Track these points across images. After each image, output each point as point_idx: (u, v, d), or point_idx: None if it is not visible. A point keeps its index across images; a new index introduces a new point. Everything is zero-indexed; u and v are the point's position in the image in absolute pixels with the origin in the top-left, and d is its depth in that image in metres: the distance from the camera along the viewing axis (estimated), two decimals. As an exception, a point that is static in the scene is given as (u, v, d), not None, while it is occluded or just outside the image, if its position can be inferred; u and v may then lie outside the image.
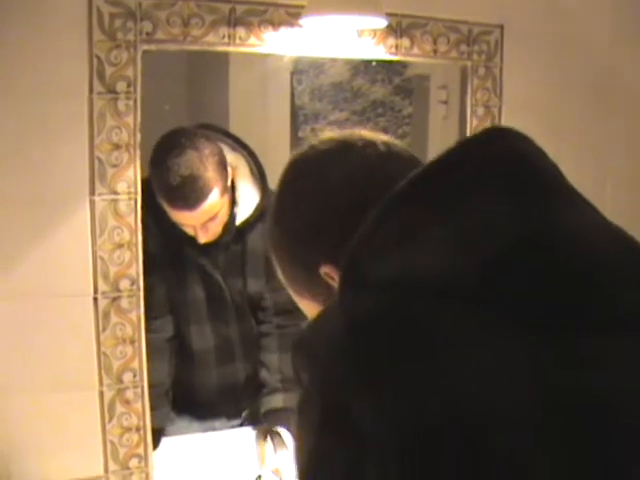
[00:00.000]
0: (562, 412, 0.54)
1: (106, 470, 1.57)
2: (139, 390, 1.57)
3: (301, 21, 1.52)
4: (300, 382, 0.64)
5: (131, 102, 1.48)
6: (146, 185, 1.56)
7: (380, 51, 1.69)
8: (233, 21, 1.54)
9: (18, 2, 1.39)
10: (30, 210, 1.45)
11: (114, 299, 1.52)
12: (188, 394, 1.88)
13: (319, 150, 0.81)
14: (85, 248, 1.49)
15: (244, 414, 1.95)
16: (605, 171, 1.99)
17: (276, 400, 1.79)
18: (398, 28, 1.69)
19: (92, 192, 1.48)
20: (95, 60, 1.44)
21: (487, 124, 1.82)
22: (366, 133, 0.82)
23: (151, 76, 1.52)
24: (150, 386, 1.59)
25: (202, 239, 1.67)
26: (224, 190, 1.64)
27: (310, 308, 0.82)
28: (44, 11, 1.41)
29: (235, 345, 1.88)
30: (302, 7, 1.50)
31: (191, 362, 1.86)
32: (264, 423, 1.80)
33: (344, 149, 0.80)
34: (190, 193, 1.57)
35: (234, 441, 1.83)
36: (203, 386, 1.90)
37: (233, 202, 1.73)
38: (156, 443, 1.68)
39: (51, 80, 1.43)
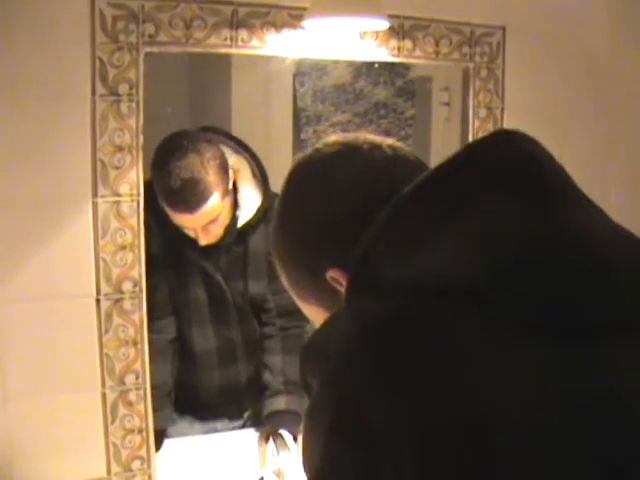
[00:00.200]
0: (563, 412, 0.54)
1: (109, 472, 1.57)
2: (141, 392, 1.57)
3: (303, 23, 1.52)
4: (308, 389, 0.64)
5: (133, 104, 1.48)
6: (148, 187, 1.56)
7: (382, 53, 1.69)
8: (235, 23, 1.54)
9: (21, 5, 1.39)
10: (33, 212, 1.45)
11: (116, 301, 1.53)
12: (190, 395, 1.88)
13: (324, 153, 0.80)
14: (88, 250, 1.49)
15: (246, 415, 1.95)
16: (609, 173, 1.99)
17: (279, 402, 1.79)
18: (400, 30, 1.69)
19: (95, 194, 1.48)
20: (98, 62, 1.45)
21: (489, 126, 1.82)
22: (371, 136, 0.81)
23: (153, 78, 1.52)
24: (153, 387, 1.59)
25: (203, 241, 1.68)
26: (225, 193, 1.65)
27: (315, 314, 0.81)
28: (47, 14, 1.41)
29: (237, 347, 1.88)
30: (304, 9, 1.50)
31: (193, 363, 1.87)
32: (266, 425, 1.80)
33: (350, 152, 0.79)
34: (191, 196, 1.57)
35: (236, 443, 1.83)
36: (205, 387, 1.90)
37: (235, 205, 1.73)
38: (159, 445, 1.68)
39: (54, 82, 1.43)
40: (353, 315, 0.64)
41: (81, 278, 1.50)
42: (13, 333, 1.46)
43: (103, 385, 1.54)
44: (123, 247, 1.51)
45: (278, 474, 1.66)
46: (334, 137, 0.82)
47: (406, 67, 2.18)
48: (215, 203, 1.62)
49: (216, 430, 1.91)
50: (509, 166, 0.66)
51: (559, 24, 1.86)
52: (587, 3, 1.90)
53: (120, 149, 1.48)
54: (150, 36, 1.48)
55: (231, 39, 1.55)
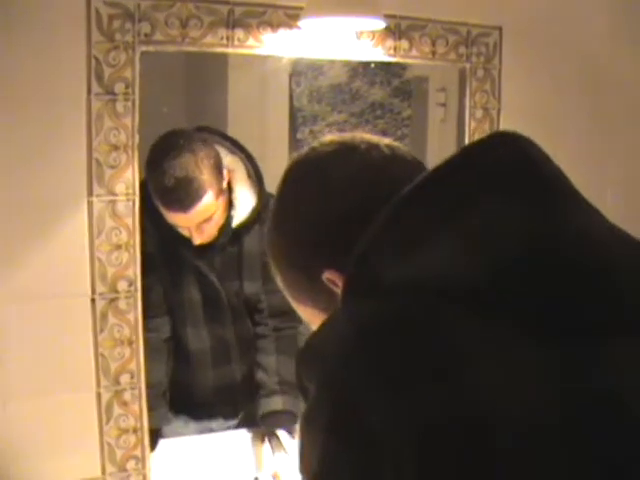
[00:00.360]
0: (563, 412, 0.54)
1: (103, 472, 1.56)
2: (136, 392, 1.57)
3: (300, 23, 1.52)
4: (305, 393, 0.63)
5: (129, 103, 1.48)
6: (142, 187, 1.56)
7: (379, 53, 1.69)
8: (232, 22, 1.54)
9: (16, 3, 1.39)
10: (27, 211, 1.44)
11: (112, 300, 1.52)
12: (185, 395, 1.88)
13: (321, 152, 0.79)
14: (83, 249, 1.49)
15: (241, 415, 1.95)
16: (605, 175, 1.99)
17: (275, 402, 1.78)
18: (397, 30, 1.69)
19: (90, 193, 1.48)
20: (93, 61, 1.44)
21: (485, 126, 1.82)
22: (368, 136, 0.81)
23: (149, 77, 1.52)
24: (148, 386, 1.59)
25: (197, 240, 1.68)
26: (219, 192, 1.65)
27: (311, 315, 0.81)
28: (42, 12, 1.40)
29: (231, 346, 1.88)
30: (301, 9, 1.50)
31: (188, 363, 1.86)
32: (262, 425, 1.80)
33: (347, 151, 0.78)
34: (184, 195, 1.58)
35: (232, 443, 1.83)
36: (200, 387, 1.90)
37: (230, 205, 1.73)
38: (153, 445, 1.68)
39: (49, 81, 1.43)
40: (350, 317, 0.64)
41: (76, 277, 1.49)
42: (7, 332, 1.45)
43: (98, 385, 1.53)
44: (118, 246, 1.51)
45: (275, 476, 1.66)
46: (330, 136, 0.81)
47: (402, 67, 2.18)
48: (209, 202, 1.62)
49: (211, 430, 1.91)
50: (508, 167, 0.66)
51: (556, 25, 1.86)
52: (584, 4, 1.90)
53: (116, 148, 1.48)
54: (146, 35, 1.48)
55: (227, 38, 1.55)
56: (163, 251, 1.74)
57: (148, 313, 1.63)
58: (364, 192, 0.74)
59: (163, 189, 1.57)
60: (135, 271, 1.53)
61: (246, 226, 1.75)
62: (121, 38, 1.45)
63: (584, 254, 0.61)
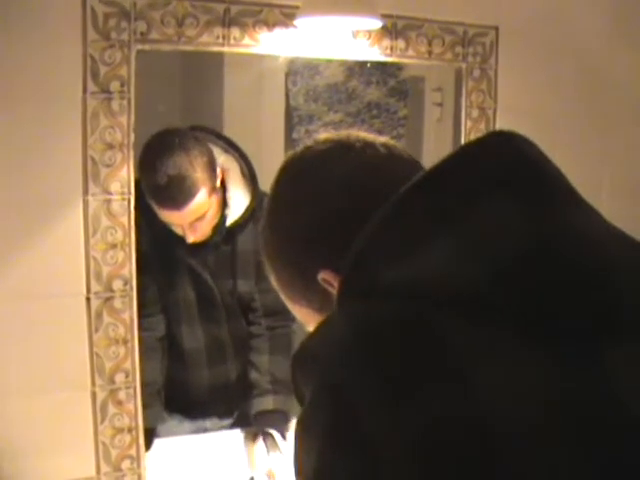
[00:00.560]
0: (563, 412, 0.54)
1: (98, 472, 1.56)
2: (131, 391, 1.56)
3: (296, 22, 1.52)
4: (301, 398, 0.63)
5: (125, 102, 1.48)
6: (137, 185, 1.56)
7: (375, 52, 1.69)
8: (228, 21, 1.54)
9: (11, 2, 1.38)
10: (23, 210, 1.44)
11: (107, 299, 1.52)
12: (180, 394, 1.88)
13: (316, 151, 0.78)
14: (78, 248, 1.48)
15: (236, 414, 1.95)
16: (600, 175, 1.99)
17: (267, 402, 1.78)
18: (393, 29, 1.69)
19: (85, 192, 1.47)
20: (89, 60, 1.44)
21: (481, 126, 1.82)
22: (363, 134, 0.80)
23: (145, 76, 1.51)
24: (142, 385, 1.59)
25: (190, 239, 1.68)
26: (212, 191, 1.65)
27: (305, 315, 0.79)
28: (38, 11, 1.40)
29: (226, 345, 1.88)
30: (297, 8, 1.50)
31: (182, 362, 1.86)
32: (254, 425, 1.79)
33: (343, 150, 0.77)
34: (177, 193, 1.58)
35: (227, 443, 1.83)
36: (194, 386, 1.90)
37: (224, 203, 1.73)
38: (148, 444, 1.68)
39: (45, 79, 1.42)
40: (347, 318, 0.63)
41: (71, 276, 1.49)
42: (2, 331, 1.45)
43: (93, 384, 1.53)
44: (114, 245, 1.51)
45: (269, 475, 1.66)
46: (325, 135, 0.80)
47: (399, 67, 2.17)
48: (202, 200, 1.62)
49: (206, 429, 1.91)
50: (507, 167, 0.65)
51: (552, 24, 1.87)
52: (580, 4, 1.90)
53: (111, 147, 1.48)
54: (142, 34, 1.47)
55: (223, 37, 1.54)
56: (157, 250, 1.74)
57: (143, 311, 1.63)
58: (361, 192, 0.73)
59: (156, 187, 1.57)
60: (130, 270, 1.53)
61: (240, 225, 1.75)
62: (117, 37, 1.45)
63: (584, 254, 0.61)
